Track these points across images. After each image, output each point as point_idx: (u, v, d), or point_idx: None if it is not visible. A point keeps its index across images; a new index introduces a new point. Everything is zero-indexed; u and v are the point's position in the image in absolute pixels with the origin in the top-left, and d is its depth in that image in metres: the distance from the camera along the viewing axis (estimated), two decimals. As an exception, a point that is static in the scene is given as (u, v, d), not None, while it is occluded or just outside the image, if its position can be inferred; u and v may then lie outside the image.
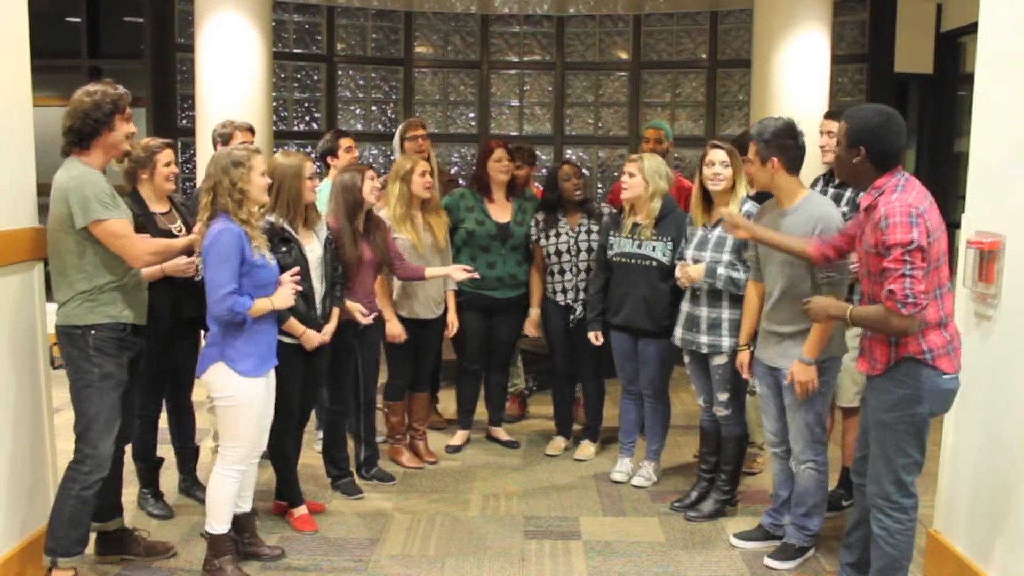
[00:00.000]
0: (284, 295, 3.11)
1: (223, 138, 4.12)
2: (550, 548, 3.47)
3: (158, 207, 3.54)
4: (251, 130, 4.20)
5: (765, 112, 6.31)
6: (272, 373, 3.19)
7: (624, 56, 8.15)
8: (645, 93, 8.13)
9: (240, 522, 3.22)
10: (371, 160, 7.59)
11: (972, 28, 3.44)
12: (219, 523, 3.10)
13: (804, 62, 6.28)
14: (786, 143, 3.14)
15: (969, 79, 3.17)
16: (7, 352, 2.94)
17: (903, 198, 2.56)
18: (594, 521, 3.73)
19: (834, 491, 3.74)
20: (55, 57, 7.03)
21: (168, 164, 3.53)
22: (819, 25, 6.31)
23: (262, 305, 3.02)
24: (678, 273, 3.67)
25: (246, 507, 3.27)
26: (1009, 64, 2.83)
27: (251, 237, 2.99)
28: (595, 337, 4.15)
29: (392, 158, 5.24)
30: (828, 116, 3.84)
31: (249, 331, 3.01)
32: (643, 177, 3.86)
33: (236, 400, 3.02)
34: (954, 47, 7.05)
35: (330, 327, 3.56)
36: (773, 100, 6.33)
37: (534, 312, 4.50)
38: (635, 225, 3.94)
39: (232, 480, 3.09)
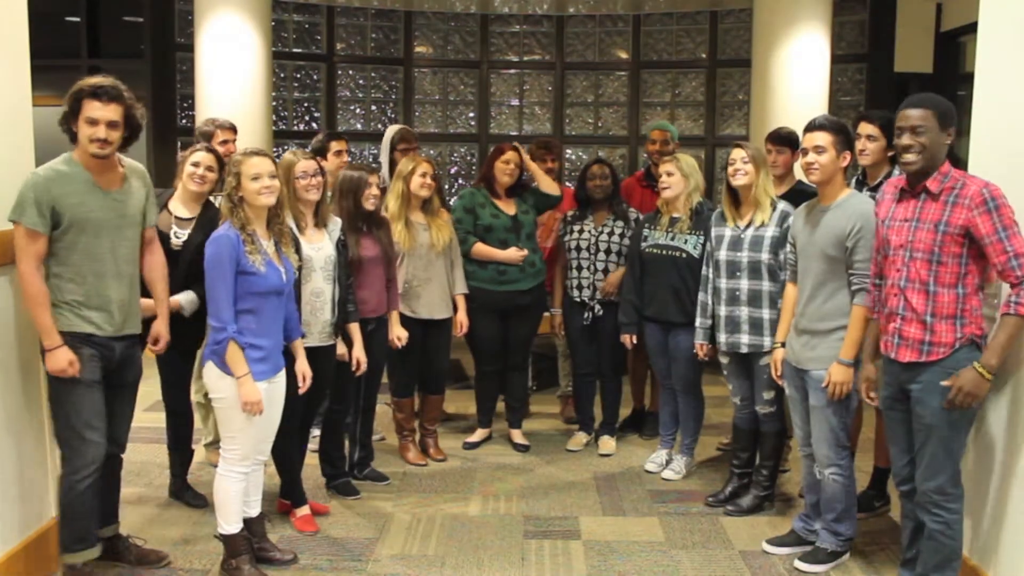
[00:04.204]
0: (252, 394, 2.98)
1: (204, 136, 4.05)
2: (550, 548, 3.47)
3: (185, 211, 3.53)
4: (232, 128, 4.15)
5: (765, 112, 6.33)
6: (281, 379, 3.17)
7: (624, 56, 8.14)
8: (645, 93, 8.13)
9: (248, 526, 3.20)
10: (371, 160, 7.58)
11: (972, 28, 3.43)
12: (228, 523, 3.11)
13: (804, 62, 6.28)
14: (850, 138, 3.23)
15: (969, 79, 3.16)
16: (6, 351, 2.93)
17: (989, 182, 2.67)
18: (594, 521, 3.73)
19: (865, 492, 3.71)
20: (55, 57, 7.01)
21: (196, 164, 3.50)
22: (819, 25, 6.30)
23: (236, 365, 2.95)
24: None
25: (253, 512, 3.25)
26: (1009, 64, 2.83)
27: (245, 242, 2.98)
28: (628, 341, 4.24)
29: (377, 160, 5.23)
30: (864, 119, 3.53)
31: (249, 337, 2.99)
32: (682, 175, 3.99)
33: (228, 402, 3.00)
34: (954, 47, 7.05)
35: (356, 348, 3.69)
36: (773, 100, 6.33)
37: (557, 315, 4.67)
38: (673, 219, 4.05)
39: (234, 480, 3.08)
